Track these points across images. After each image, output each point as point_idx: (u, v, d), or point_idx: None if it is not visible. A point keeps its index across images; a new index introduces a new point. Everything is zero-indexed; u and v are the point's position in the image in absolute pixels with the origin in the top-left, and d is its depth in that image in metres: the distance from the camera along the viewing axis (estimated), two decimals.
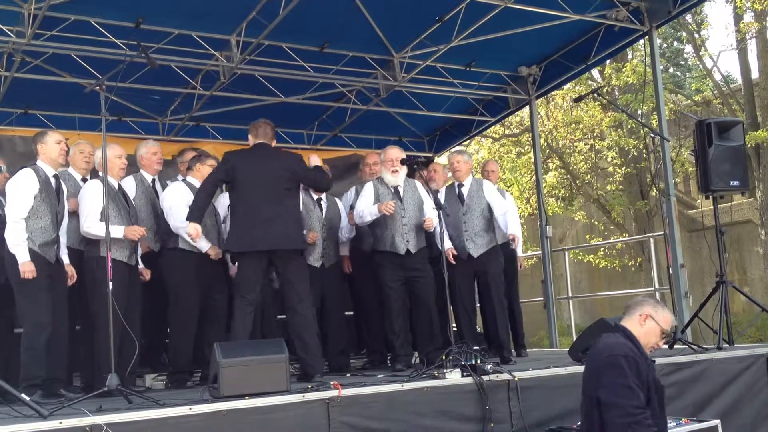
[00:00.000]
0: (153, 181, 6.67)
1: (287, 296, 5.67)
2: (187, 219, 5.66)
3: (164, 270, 6.19)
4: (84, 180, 6.03)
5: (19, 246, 5.18)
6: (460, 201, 6.74)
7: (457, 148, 10.03)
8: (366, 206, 6.44)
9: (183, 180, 6.47)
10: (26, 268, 5.15)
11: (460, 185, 6.82)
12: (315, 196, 6.96)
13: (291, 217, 5.67)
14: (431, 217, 6.39)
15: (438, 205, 5.88)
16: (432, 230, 6.45)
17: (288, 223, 5.61)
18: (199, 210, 5.66)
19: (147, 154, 6.66)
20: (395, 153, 6.51)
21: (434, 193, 6.27)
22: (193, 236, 5.65)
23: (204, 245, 6.07)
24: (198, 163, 6.39)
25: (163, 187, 6.63)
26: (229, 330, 6.17)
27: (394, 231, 6.37)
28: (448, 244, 6.51)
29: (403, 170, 6.50)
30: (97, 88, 5.22)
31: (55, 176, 5.54)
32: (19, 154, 7.81)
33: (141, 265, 6.04)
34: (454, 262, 6.41)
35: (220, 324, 6.20)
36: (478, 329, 7.23)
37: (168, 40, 7.43)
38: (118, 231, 5.47)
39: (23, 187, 5.28)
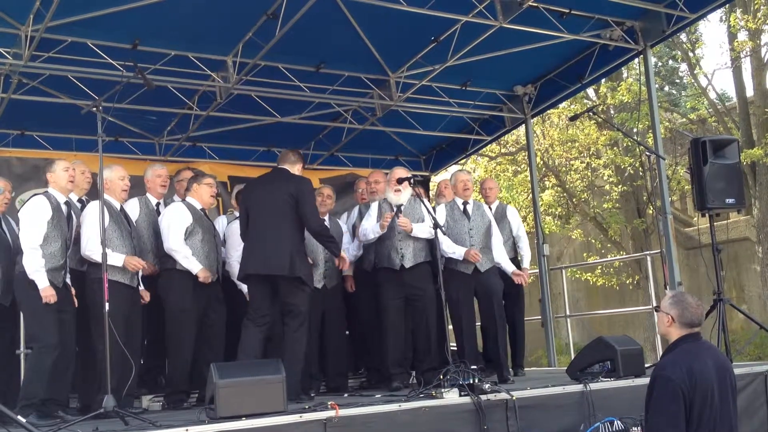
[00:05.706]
0: (158, 204, 6.64)
1: (282, 318, 5.75)
2: None
3: (161, 290, 6.14)
4: (81, 201, 6.02)
5: (38, 272, 5.22)
6: (467, 217, 6.74)
7: (458, 168, 9.98)
8: (370, 225, 6.50)
9: (182, 201, 6.39)
10: (47, 293, 5.19)
11: (465, 203, 6.84)
12: None
13: (288, 242, 5.69)
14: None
15: (435, 223, 5.90)
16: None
17: (283, 249, 5.66)
18: None
19: (152, 176, 6.61)
20: (399, 173, 6.57)
21: (433, 210, 6.28)
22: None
23: (195, 267, 6.02)
24: (195, 183, 6.35)
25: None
26: (227, 350, 6.19)
27: (390, 246, 6.38)
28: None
29: (407, 190, 6.51)
30: (94, 109, 5.25)
31: (67, 203, 5.58)
32: (16, 176, 7.80)
33: (141, 287, 6.02)
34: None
35: (218, 344, 6.17)
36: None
37: (164, 61, 7.46)
38: (117, 259, 5.48)
39: (37, 214, 5.34)
